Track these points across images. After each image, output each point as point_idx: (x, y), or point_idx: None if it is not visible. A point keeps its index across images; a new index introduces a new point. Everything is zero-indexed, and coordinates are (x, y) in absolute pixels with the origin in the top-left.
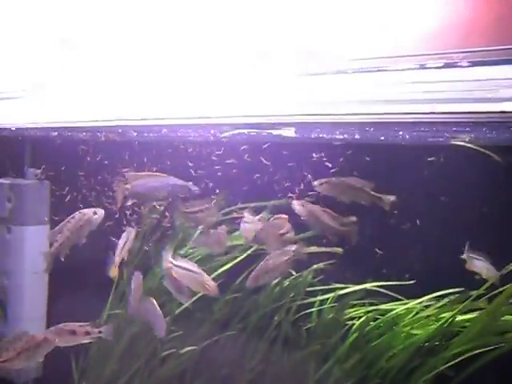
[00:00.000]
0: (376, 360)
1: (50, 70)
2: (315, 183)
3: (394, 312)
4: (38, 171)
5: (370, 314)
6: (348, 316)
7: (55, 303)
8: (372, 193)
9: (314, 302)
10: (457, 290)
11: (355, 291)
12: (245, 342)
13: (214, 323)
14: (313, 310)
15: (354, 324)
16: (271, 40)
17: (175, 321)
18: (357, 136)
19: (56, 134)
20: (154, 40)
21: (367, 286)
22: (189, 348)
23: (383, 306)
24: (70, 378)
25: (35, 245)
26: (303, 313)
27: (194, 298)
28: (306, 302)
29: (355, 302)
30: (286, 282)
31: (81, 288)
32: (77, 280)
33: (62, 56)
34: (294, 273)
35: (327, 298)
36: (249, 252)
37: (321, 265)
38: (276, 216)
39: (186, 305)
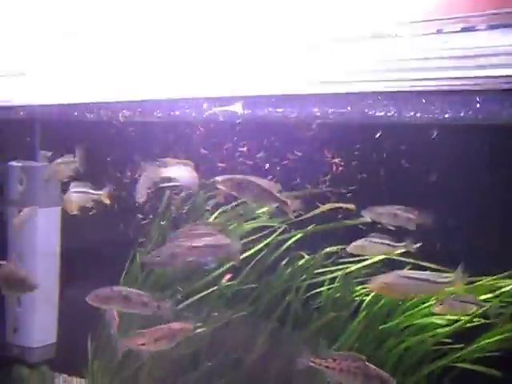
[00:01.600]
0: (386, 336)
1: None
2: (218, 179)
3: None
4: (49, 154)
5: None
6: (358, 293)
7: (67, 283)
8: (277, 195)
9: (324, 280)
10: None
11: (364, 267)
12: (256, 323)
13: (227, 305)
14: (323, 288)
15: (364, 301)
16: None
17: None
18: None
19: (66, 115)
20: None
21: (376, 259)
22: (201, 329)
23: None
24: (84, 357)
25: (47, 226)
26: (313, 292)
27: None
28: (316, 280)
29: (365, 279)
30: (298, 263)
31: (93, 268)
32: (89, 260)
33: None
34: (305, 255)
35: (336, 277)
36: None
37: (334, 248)
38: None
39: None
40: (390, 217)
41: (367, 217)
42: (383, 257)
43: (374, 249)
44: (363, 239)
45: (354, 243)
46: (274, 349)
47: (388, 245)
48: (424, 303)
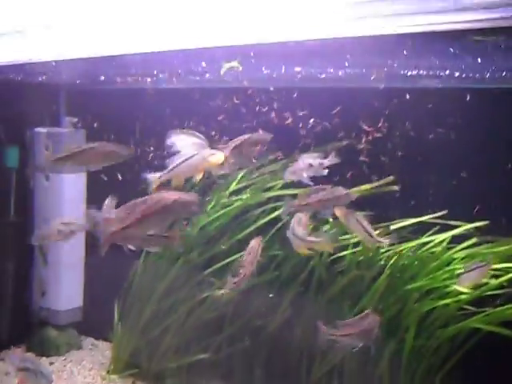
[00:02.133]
0: (409, 299)
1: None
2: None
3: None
4: (75, 120)
5: (403, 253)
6: (382, 256)
7: (93, 248)
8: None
9: (348, 245)
10: None
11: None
12: (280, 287)
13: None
14: (346, 252)
15: (387, 264)
16: None
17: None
18: None
19: (91, 82)
20: None
21: (403, 224)
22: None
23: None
24: (110, 321)
25: (72, 192)
26: (337, 256)
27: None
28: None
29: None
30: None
31: None
32: None
33: None
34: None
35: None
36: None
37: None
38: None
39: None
40: None
41: None
42: (411, 221)
43: None
44: None
45: None
46: (297, 313)
47: None
48: (449, 264)
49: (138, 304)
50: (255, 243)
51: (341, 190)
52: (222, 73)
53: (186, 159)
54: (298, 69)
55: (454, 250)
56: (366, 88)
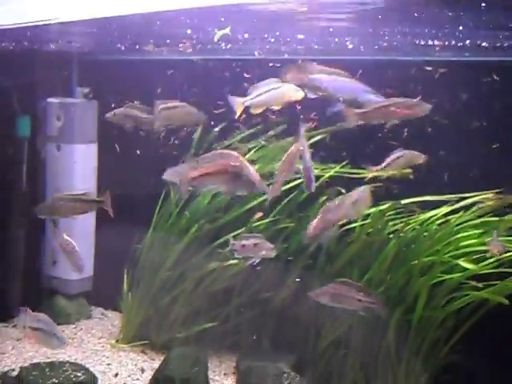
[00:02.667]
0: (415, 268)
1: None
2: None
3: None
4: (86, 90)
5: (410, 225)
6: (390, 230)
7: (103, 219)
8: None
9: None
10: None
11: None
12: (289, 259)
13: None
14: (356, 224)
15: (394, 235)
16: None
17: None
18: None
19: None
20: None
21: (412, 200)
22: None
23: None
24: (120, 291)
25: (84, 162)
26: (346, 228)
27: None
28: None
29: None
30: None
31: (127, 204)
32: (125, 195)
33: None
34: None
35: (369, 214)
36: None
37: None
38: None
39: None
40: None
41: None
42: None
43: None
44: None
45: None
46: (305, 285)
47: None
48: (457, 234)
49: (148, 274)
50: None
51: None
52: (215, 39)
53: (272, 89)
54: None
55: (461, 220)
56: None
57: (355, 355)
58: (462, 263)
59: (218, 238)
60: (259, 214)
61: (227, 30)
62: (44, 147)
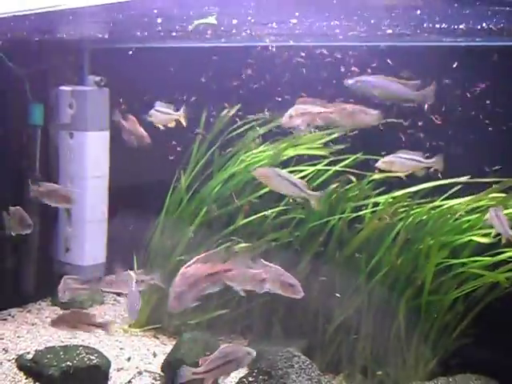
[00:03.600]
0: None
1: None
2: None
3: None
4: (98, 78)
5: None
6: (400, 216)
7: (115, 206)
8: None
9: (367, 204)
10: None
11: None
12: (300, 246)
13: (273, 229)
14: (366, 211)
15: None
16: None
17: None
18: None
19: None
20: None
21: (421, 186)
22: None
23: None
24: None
25: (96, 150)
26: (356, 215)
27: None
28: (359, 204)
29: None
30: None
31: (139, 192)
32: (137, 182)
33: None
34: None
35: (378, 203)
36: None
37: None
38: None
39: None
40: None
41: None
42: (429, 185)
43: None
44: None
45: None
46: (315, 271)
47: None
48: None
49: (159, 260)
50: None
51: None
52: (191, 28)
53: None
54: None
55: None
56: None
57: (365, 340)
58: (475, 238)
59: (229, 224)
60: (246, 207)
61: (212, 20)
62: (57, 135)
